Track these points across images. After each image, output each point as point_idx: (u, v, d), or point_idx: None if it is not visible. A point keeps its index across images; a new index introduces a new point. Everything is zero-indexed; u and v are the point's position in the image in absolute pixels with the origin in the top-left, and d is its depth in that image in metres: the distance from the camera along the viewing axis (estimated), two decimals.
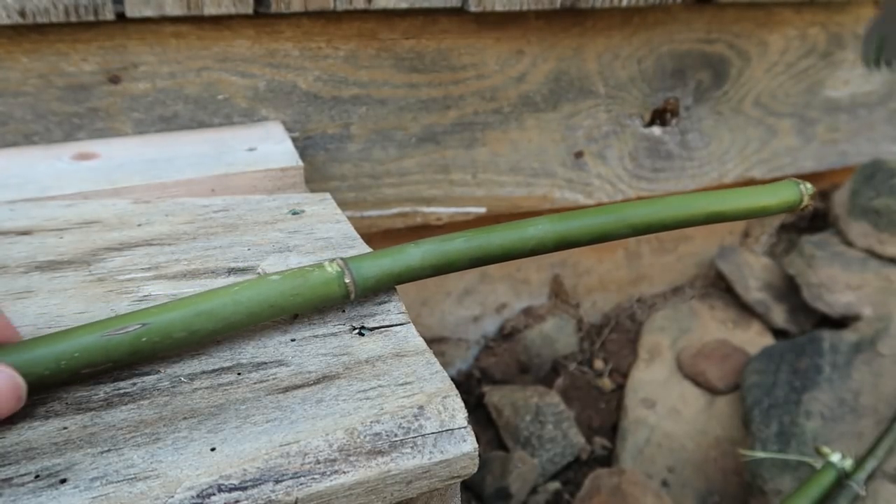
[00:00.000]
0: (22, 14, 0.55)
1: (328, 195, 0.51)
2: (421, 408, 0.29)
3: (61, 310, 0.35)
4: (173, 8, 0.59)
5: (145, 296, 0.36)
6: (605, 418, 0.94)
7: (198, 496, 0.25)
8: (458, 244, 0.37)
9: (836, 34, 0.96)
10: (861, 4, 0.96)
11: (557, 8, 0.73)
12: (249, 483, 0.26)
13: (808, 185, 0.43)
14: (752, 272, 1.06)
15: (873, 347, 0.81)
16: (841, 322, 0.91)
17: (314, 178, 0.74)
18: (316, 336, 0.34)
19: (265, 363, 0.32)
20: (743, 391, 0.83)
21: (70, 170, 0.56)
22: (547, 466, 0.86)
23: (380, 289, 0.36)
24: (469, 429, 0.29)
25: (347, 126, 0.73)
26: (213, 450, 0.27)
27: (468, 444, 0.29)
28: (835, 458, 0.67)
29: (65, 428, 0.28)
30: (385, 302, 0.37)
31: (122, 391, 0.30)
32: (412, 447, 0.28)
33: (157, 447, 0.27)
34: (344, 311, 0.36)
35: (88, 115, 0.63)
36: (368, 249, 0.41)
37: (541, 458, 0.85)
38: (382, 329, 0.35)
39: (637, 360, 0.99)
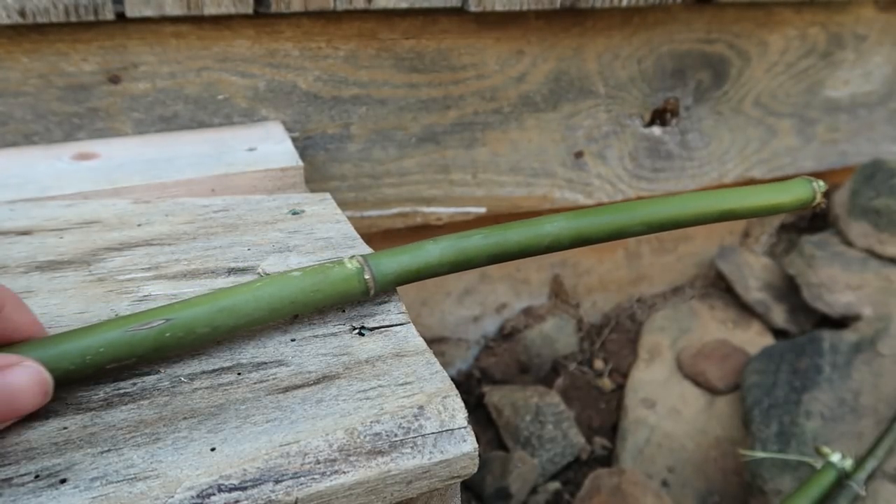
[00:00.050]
0: (22, 14, 0.55)
1: (328, 195, 0.51)
2: (421, 408, 0.29)
3: (61, 310, 0.35)
4: (173, 8, 0.59)
5: (145, 296, 0.36)
6: (605, 418, 0.94)
7: (198, 496, 0.25)
8: (475, 241, 0.37)
9: (836, 34, 0.96)
10: (861, 4, 0.96)
11: (557, 8, 0.73)
12: (249, 483, 0.26)
13: (821, 183, 0.43)
14: (752, 272, 1.06)
15: (873, 347, 0.81)
16: (841, 322, 0.91)
17: (314, 178, 0.74)
18: (316, 336, 0.34)
19: (265, 363, 0.32)
20: (743, 391, 0.83)
21: (70, 170, 0.55)
22: (547, 466, 0.85)
23: (398, 285, 0.37)
24: (469, 429, 0.29)
25: (347, 126, 0.73)
26: (213, 450, 0.27)
27: (468, 444, 0.29)
28: (835, 458, 0.67)
29: (65, 428, 0.28)
30: (385, 302, 0.37)
31: (121, 391, 0.30)
32: (412, 447, 0.28)
33: (157, 447, 0.27)
34: (344, 310, 0.36)
35: (88, 115, 0.63)
36: (369, 249, 0.41)
37: (541, 458, 0.85)
38: (382, 329, 0.35)
39: (637, 360, 0.99)
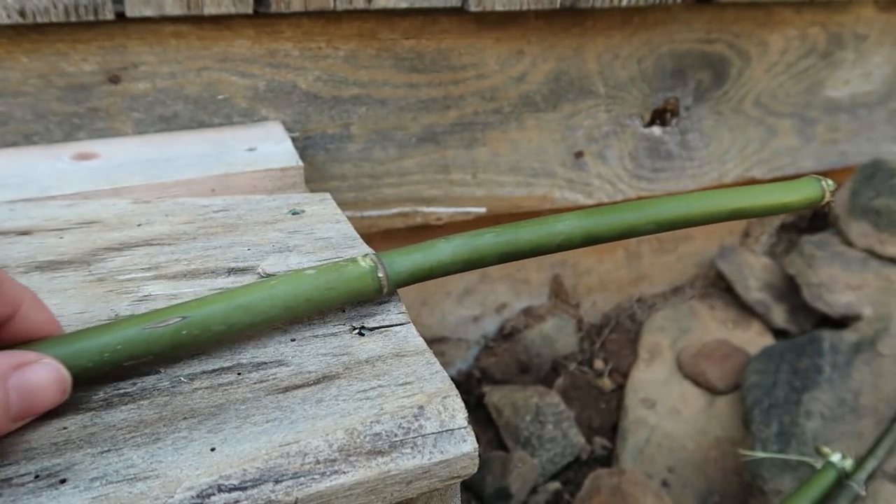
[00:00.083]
0: (22, 14, 0.55)
1: (328, 195, 0.51)
2: (421, 408, 0.29)
3: (61, 310, 0.35)
4: (173, 8, 0.59)
5: (145, 296, 0.36)
6: (605, 418, 0.94)
7: (198, 496, 0.25)
8: (487, 239, 0.37)
9: (836, 34, 0.96)
10: (861, 4, 0.96)
11: (557, 8, 0.73)
12: (249, 483, 0.26)
13: (830, 182, 0.43)
14: (753, 272, 1.06)
15: (873, 347, 0.81)
16: (841, 322, 0.90)
17: (314, 178, 0.74)
18: (316, 336, 0.34)
19: (265, 363, 0.32)
20: (743, 391, 0.83)
21: (70, 170, 0.55)
22: (547, 466, 0.85)
23: (411, 283, 0.37)
24: (469, 429, 0.29)
25: (347, 126, 0.73)
26: (212, 450, 0.27)
27: (468, 444, 0.29)
28: (835, 458, 0.67)
29: (64, 428, 0.28)
30: (385, 302, 0.37)
31: (121, 391, 0.30)
32: (412, 447, 0.28)
33: (157, 447, 0.27)
34: (344, 310, 0.36)
35: (88, 115, 0.63)
36: (369, 249, 0.41)
37: (541, 458, 0.85)
38: (382, 329, 0.35)
39: (637, 360, 0.99)
